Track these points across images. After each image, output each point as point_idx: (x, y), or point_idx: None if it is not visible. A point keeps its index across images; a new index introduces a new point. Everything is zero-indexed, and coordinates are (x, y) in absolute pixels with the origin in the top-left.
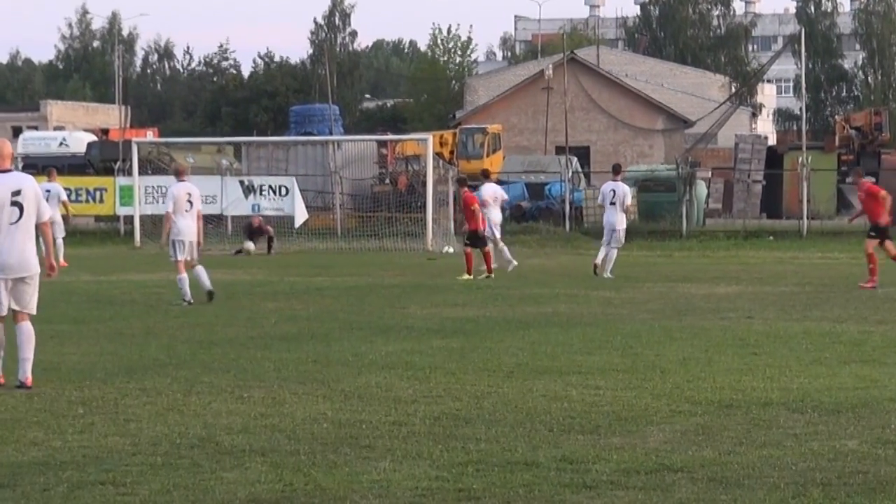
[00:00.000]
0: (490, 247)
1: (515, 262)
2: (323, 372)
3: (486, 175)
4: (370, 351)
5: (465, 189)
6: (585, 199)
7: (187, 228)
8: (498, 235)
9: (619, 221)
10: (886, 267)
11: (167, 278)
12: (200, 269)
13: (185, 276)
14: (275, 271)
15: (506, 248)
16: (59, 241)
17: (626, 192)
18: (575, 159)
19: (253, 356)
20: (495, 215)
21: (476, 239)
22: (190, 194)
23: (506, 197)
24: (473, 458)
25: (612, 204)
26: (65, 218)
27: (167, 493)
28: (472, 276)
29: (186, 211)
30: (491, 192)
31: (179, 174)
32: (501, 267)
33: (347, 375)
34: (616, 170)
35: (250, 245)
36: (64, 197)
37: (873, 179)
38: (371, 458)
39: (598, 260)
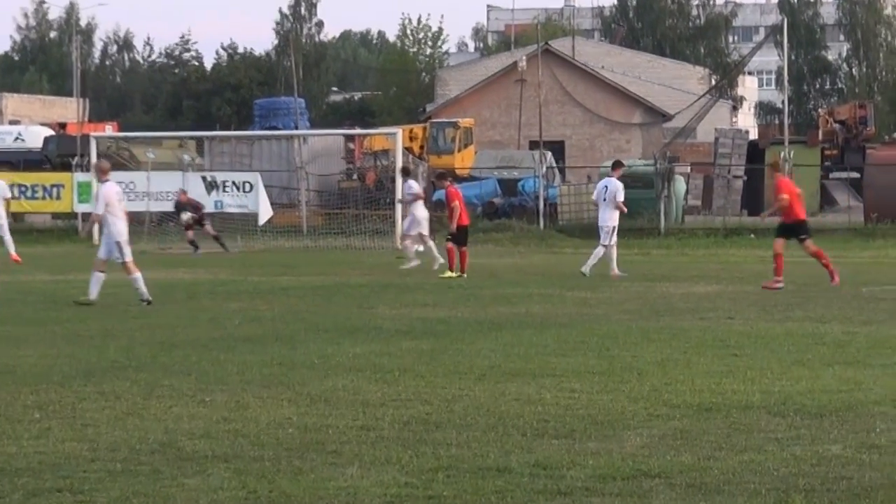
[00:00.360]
0: (449, 247)
1: (416, 262)
2: (288, 375)
3: (406, 172)
4: (337, 353)
5: (448, 184)
6: (560, 195)
7: (125, 229)
8: (426, 232)
9: (607, 218)
10: (871, 266)
11: (126, 278)
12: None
13: (139, 275)
14: (238, 270)
15: (433, 247)
16: (7, 239)
17: (617, 188)
18: (549, 154)
19: (215, 358)
20: (422, 212)
21: (458, 235)
22: (118, 193)
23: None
24: (444, 463)
25: (605, 200)
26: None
27: (126, 501)
28: (454, 273)
29: (120, 211)
30: (417, 188)
31: (103, 174)
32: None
33: (313, 378)
34: (615, 166)
35: (185, 216)
36: (7, 194)
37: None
38: (338, 464)
39: (612, 263)
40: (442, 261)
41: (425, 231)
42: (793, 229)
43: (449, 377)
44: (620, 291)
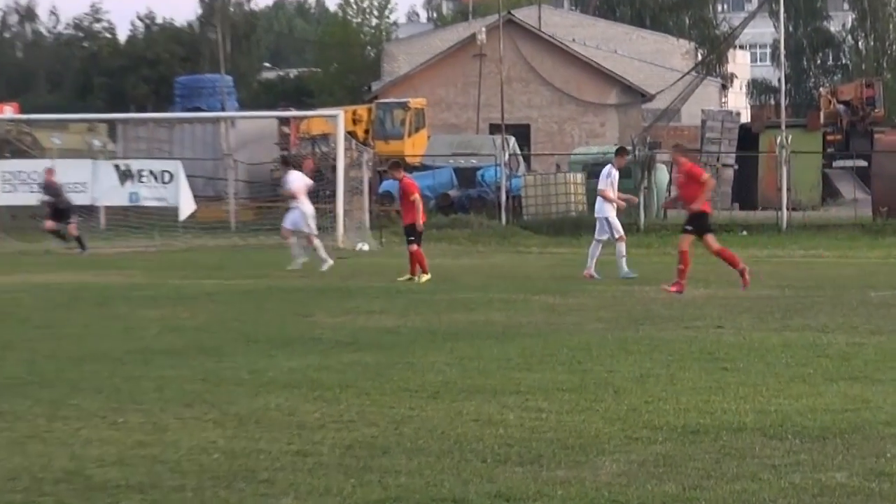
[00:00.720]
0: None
1: (303, 260)
2: (213, 392)
3: (286, 162)
4: (270, 367)
5: (404, 175)
6: (525, 186)
7: None
8: (314, 230)
9: (607, 210)
10: (881, 267)
11: (28, 281)
12: None
13: None
14: (157, 273)
15: (321, 246)
16: None
17: (603, 174)
18: (512, 139)
19: (130, 374)
20: (308, 207)
21: (418, 234)
22: None
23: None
24: (392, 494)
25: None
26: None
27: None
28: (427, 276)
29: None
30: (302, 182)
31: None
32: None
33: (242, 396)
34: (619, 152)
35: (43, 199)
36: None
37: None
38: (270, 494)
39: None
40: (331, 262)
41: (314, 230)
42: (698, 221)
43: (398, 395)
44: (594, 297)
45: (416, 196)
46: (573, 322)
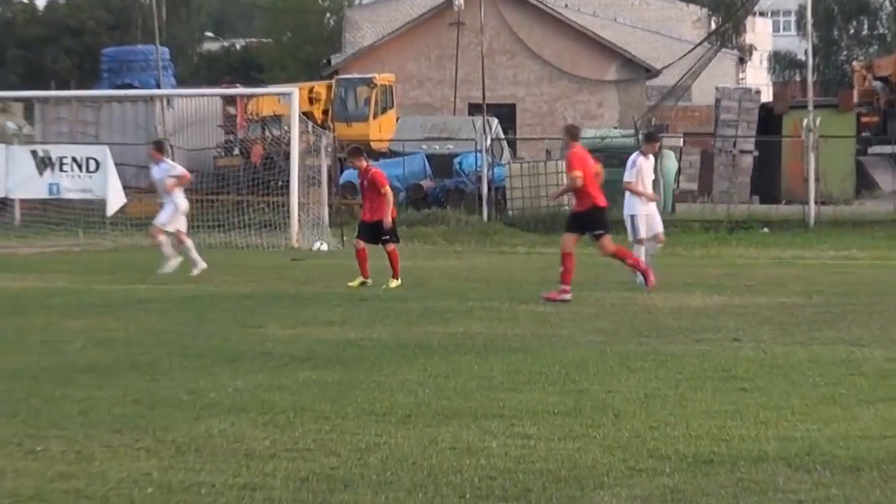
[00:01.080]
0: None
1: (178, 260)
2: (146, 416)
3: (159, 148)
4: (212, 387)
5: (366, 163)
6: (510, 175)
7: None
8: (185, 228)
9: (627, 206)
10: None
11: None
12: None
13: None
14: (80, 276)
15: (192, 246)
16: None
17: (629, 164)
18: (496, 122)
19: (50, 394)
20: (183, 202)
21: (393, 232)
22: None
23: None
24: None
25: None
26: None
27: None
28: (398, 281)
29: None
30: (180, 170)
31: None
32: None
33: (180, 421)
34: (648, 138)
35: None
36: None
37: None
38: None
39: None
40: (204, 266)
41: (184, 227)
42: (586, 221)
43: (362, 419)
44: (590, 305)
45: (388, 188)
46: (566, 334)
